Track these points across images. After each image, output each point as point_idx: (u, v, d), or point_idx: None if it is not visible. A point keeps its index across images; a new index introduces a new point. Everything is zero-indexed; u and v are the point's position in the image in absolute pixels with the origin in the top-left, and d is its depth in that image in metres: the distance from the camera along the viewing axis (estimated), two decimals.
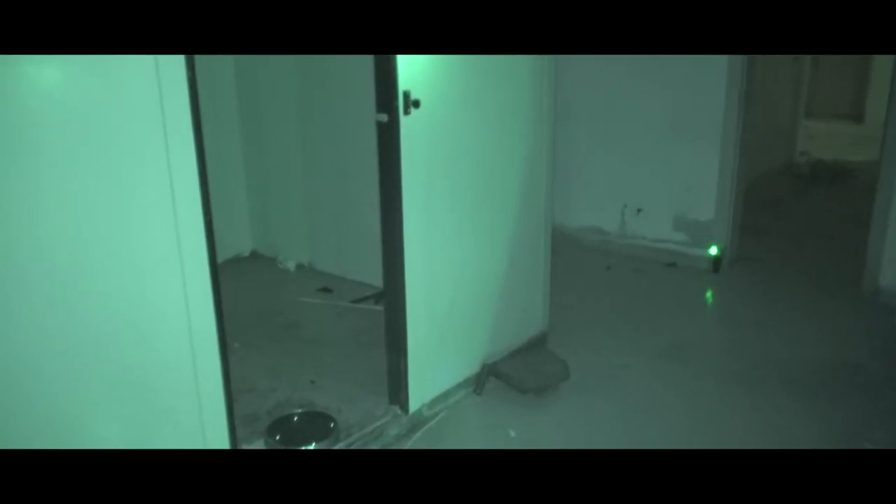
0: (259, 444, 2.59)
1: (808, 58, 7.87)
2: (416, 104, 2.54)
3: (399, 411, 2.86)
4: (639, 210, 4.94)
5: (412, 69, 2.51)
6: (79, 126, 1.72)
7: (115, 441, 1.95)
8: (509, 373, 3.14)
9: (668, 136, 4.69)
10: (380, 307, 3.56)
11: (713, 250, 4.64)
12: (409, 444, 2.76)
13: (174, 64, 1.84)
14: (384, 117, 2.54)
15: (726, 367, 3.38)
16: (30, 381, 1.76)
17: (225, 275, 2.20)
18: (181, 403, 2.07)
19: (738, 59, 4.30)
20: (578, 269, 4.73)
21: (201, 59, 1.95)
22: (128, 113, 1.80)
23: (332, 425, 2.68)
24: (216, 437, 2.17)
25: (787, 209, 6.24)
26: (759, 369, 3.34)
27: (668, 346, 3.60)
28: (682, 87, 4.56)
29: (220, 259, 2.11)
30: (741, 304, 4.28)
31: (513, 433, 2.84)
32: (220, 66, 4.45)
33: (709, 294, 4.45)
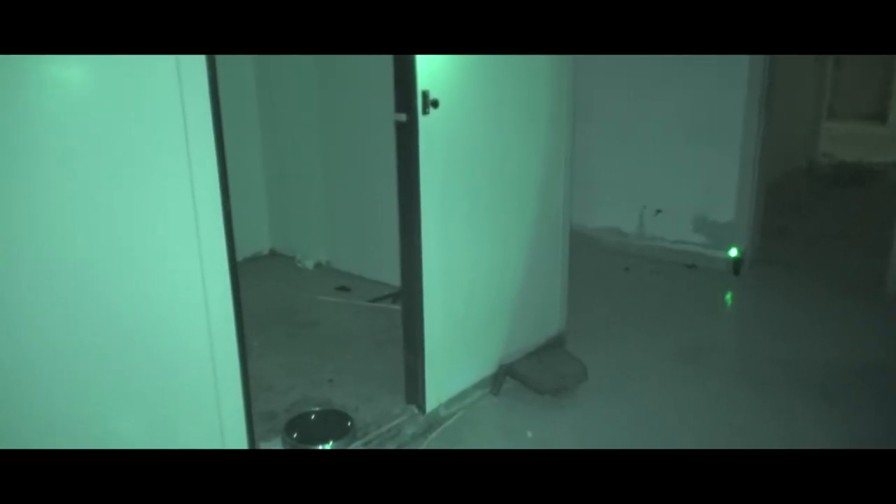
0: (276, 442, 2.60)
1: (830, 58, 7.79)
2: (435, 104, 2.54)
3: (416, 411, 2.86)
4: (658, 211, 4.91)
5: (431, 69, 2.51)
6: (100, 125, 1.74)
7: (133, 436, 1.97)
8: (526, 373, 3.13)
9: (688, 136, 4.66)
10: (397, 306, 3.57)
11: (733, 252, 4.61)
12: (425, 444, 2.76)
13: (195, 64, 1.86)
14: (403, 117, 2.54)
15: (746, 370, 3.34)
16: (53, 377, 1.78)
17: (244, 273, 2.21)
18: (200, 400, 2.09)
19: (759, 60, 4.26)
20: (597, 270, 4.71)
21: (222, 59, 1.96)
22: (149, 113, 1.82)
23: (349, 424, 2.69)
24: (234, 434, 2.18)
25: (809, 211, 6.17)
26: (780, 372, 3.31)
27: (688, 349, 3.57)
28: (702, 87, 4.53)
29: (239, 258, 2.13)
30: (761, 307, 4.24)
31: (530, 434, 2.83)
32: (240, 66, 4.48)
33: (728, 296, 4.41)
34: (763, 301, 4.31)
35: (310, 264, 4.64)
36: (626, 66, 4.75)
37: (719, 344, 3.69)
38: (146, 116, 1.82)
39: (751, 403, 3.06)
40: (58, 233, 1.72)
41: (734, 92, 4.38)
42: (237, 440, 2.19)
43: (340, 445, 2.59)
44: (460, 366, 2.99)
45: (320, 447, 2.57)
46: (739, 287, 4.50)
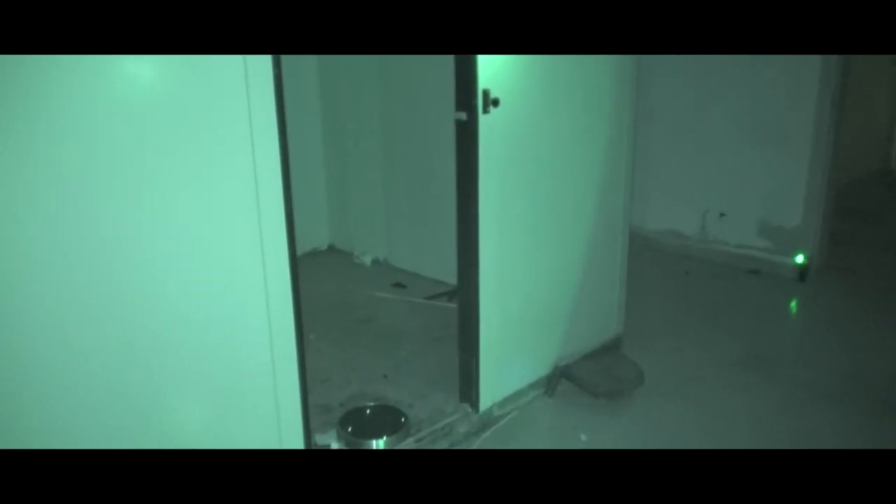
0: (331, 435, 2.64)
1: None
2: (496, 103, 2.54)
3: (469, 409, 2.86)
4: (721, 214, 4.79)
5: (492, 68, 2.51)
6: (171, 120, 1.80)
7: (193, 425, 2.03)
8: (582, 376, 3.10)
9: (754, 138, 4.53)
10: (453, 304, 3.58)
11: (799, 258, 4.46)
12: (477, 443, 2.77)
13: (261, 63, 1.90)
14: (463, 115, 2.54)
15: (809, 381, 3.24)
16: (122, 367, 1.84)
17: (303, 268, 2.25)
18: (258, 391, 2.13)
19: (832, 60, 4.11)
20: (656, 274, 4.63)
21: (287, 59, 2.00)
22: (216, 110, 1.87)
23: (402, 420, 2.71)
24: (290, 426, 2.22)
25: (881, 218, 5.94)
26: (845, 384, 3.20)
27: (749, 356, 3.48)
28: (770, 88, 4.40)
29: (298, 252, 2.16)
30: (828, 315, 4.09)
31: (584, 437, 2.81)
32: (304, 65, 4.56)
33: (793, 303, 4.28)
34: (830, 310, 4.16)
35: (367, 260, 4.69)
36: (690, 65, 4.65)
37: (782, 353, 3.58)
38: (214, 114, 1.87)
39: (813, 415, 2.96)
40: (126, 225, 1.78)
41: (804, 92, 4.24)
42: (293, 432, 2.23)
43: (394, 441, 2.61)
44: (515, 366, 2.98)
45: (374, 442, 2.60)
46: (805, 294, 4.36)
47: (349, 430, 2.65)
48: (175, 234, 1.87)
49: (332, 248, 5.01)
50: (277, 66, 1.94)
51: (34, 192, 1.62)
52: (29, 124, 1.58)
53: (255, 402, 2.14)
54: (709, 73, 4.61)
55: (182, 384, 1.98)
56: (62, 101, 1.62)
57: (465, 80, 2.51)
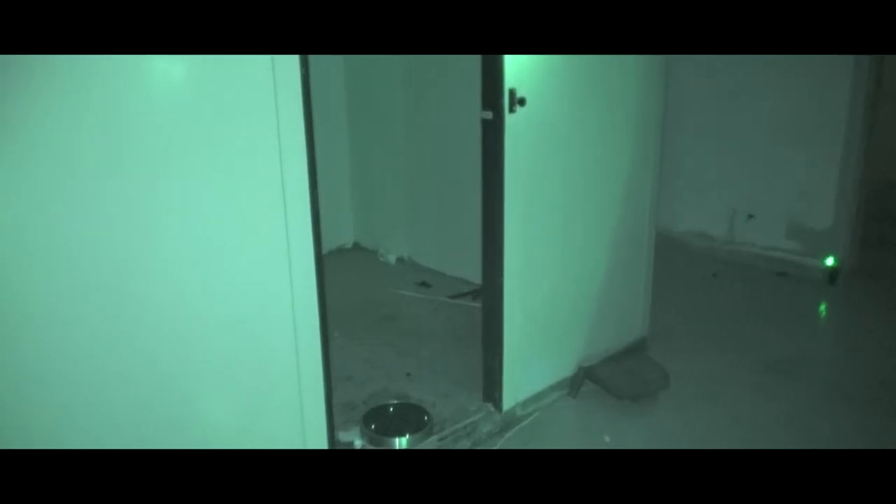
0: (354, 432, 2.65)
1: None
2: (522, 102, 2.53)
3: (492, 409, 2.86)
4: (750, 216, 4.73)
5: (518, 67, 2.50)
6: (200, 119, 1.82)
7: (219, 420, 2.05)
8: (606, 377, 3.08)
9: (784, 137, 4.47)
10: (477, 304, 3.58)
11: (830, 261, 4.39)
12: (500, 443, 2.76)
13: (289, 63, 1.91)
14: (489, 115, 2.54)
15: (839, 386, 3.19)
16: (149, 365, 1.87)
17: (327, 265, 2.26)
18: (283, 387, 2.15)
19: (865, 59, 4.04)
20: (682, 275, 4.58)
21: (314, 58, 2.01)
22: (244, 109, 1.88)
23: (425, 418, 2.72)
24: (314, 423, 2.24)
25: None
26: (875, 391, 3.14)
27: (777, 360, 3.43)
28: (801, 87, 4.34)
29: (324, 250, 2.17)
30: (859, 319, 4.02)
31: (607, 439, 2.79)
32: (330, 65, 4.58)
33: (823, 307, 4.21)
34: (860, 314, 4.09)
35: (392, 258, 4.70)
36: (720, 64, 4.60)
37: (811, 357, 3.53)
38: (242, 113, 1.88)
39: (842, 421, 2.91)
40: (153, 223, 1.80)
41: (836, 91, 4.18)
42: (317, 428, 2.25)
43: (416, 440, 2.62)
44: (539, 366, 2.97)
45: (397, 441, 2.61)
46: (835, 298, 4.29)
47: (372, 427, 2.66)
48: (202, 232, 1.89)
49: (356, 246, 5.03)
50: (305, 66, 1.95)
51: (65, 188, 1.65)
52: (66, 122, 1.61)
53: (279, 399, 2.15)
54: (739, 72, 4.55)
55: (209, 382, 2.00)
56: (96, 101, 1.64)
57: (492, 80, 2.50)
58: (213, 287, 1.94)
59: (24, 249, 1.62)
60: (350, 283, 4.26)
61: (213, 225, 1.90)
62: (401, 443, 2.61)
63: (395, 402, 2.88)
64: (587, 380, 3.12)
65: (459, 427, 2.75)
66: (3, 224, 1.58)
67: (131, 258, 1.78)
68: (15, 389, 1.67)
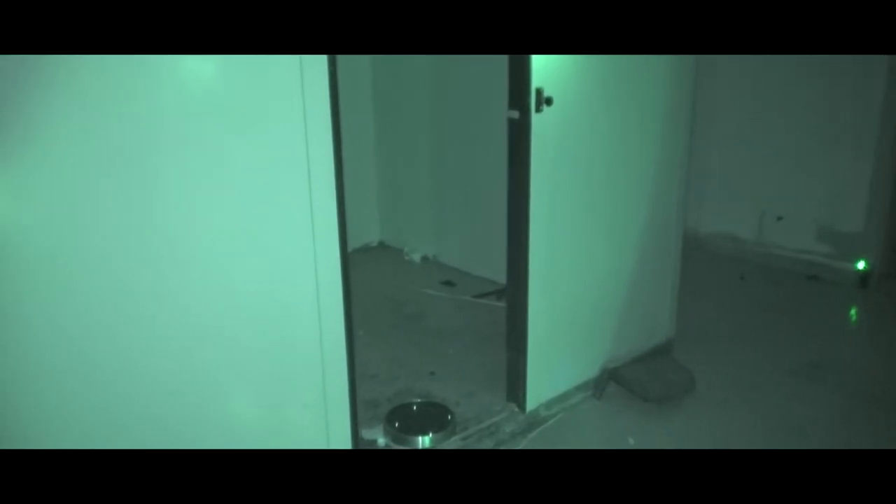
0: (378, 430, 2.67)
1: None
2: (549, 101, 2.52)
3: (516, 409, 2.86)
4: (779, 218, 4.66)
5: (545, 66, 2.49)
6: (230, 117, 1.84)
7: (245, 416, 2.07)
8: (631, 379, 3.06)
9: (814, 138, 4.39)
10: (501, 303, 3.57)
11: (861, 264, 4.32)
12: (524, 443, 2.76)
13: (317, 63, 1.93)
14: (515, 114, 2.54)
15: (869, 391, 3.13)
16: (178, 361, 1.90)
17: (353, 263, 2.27)
18: (308, 384, 2.17)
19: None
20: (710, 277, 4.53)
21: (341, 58, 2.02)
22: (273, 108, 1.91)
23: (448, 417, 2.72)
24: (338, 420, 2.25)
25: None
26: None
27: (806, 365, 3.38)
28: (834, 87, 4.26)
29: (349, 248, 2.18)
30: (890, 324, 3.95)
31: (632, 441, 2.77)
32: (358, 64, 4.60)
33: (853, 311, 4.14)
34: (892, 318, 4.01)
35: (417, 257, 4.71)
36: (749, 64, 4.54)
37: (841, 362, 3.47)
38: (270, 112, 1.90)
39: (872, 427, 2.86)
40: (185, 220, 1.83)
41: (870, 92, 4.09)
42: (341, 425, 2.26)
43: (440, 439, 2.62)
44: (563, 367, 2.96)
45: (420, 439, 2.61)
46: (866, 302, 4.21)
47: (396, 425, 2.67)
48: (230, 229, 1.91)
49: (382, 245, 5.05)
50: (332, 66, 1.96)
51: (98, 186, 1.67)
52: (105, 120, 1.64)
53: (304, 394, 2.17)
54: (769, 72, 4.49)
55: (238, 378, 2.02)
56: (133, 97, 1.68)
57: (519, 79, 2.50)
58: (241, 285, 1.96)
59: (62, 247, 1.65)
60: (375, 282, 4.28)
61: (239, 221, 1.92)
62: (424, 442, 2.61)
63: (419, 400, 2.89)
64: (612, 381, 3.10)
65: (483, 427, 2.75)
66: (39, 220, 1.62)
67: (164, 256, 1.80)
68: (56, 387, 1.71)
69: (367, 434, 2.64)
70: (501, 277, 3.17)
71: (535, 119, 2.51)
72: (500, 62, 2.56)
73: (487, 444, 2.70)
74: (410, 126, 4.61)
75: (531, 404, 2.85)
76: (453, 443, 2.65)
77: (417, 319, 3.81)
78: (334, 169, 2.04)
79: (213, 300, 1.92)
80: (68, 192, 1.63)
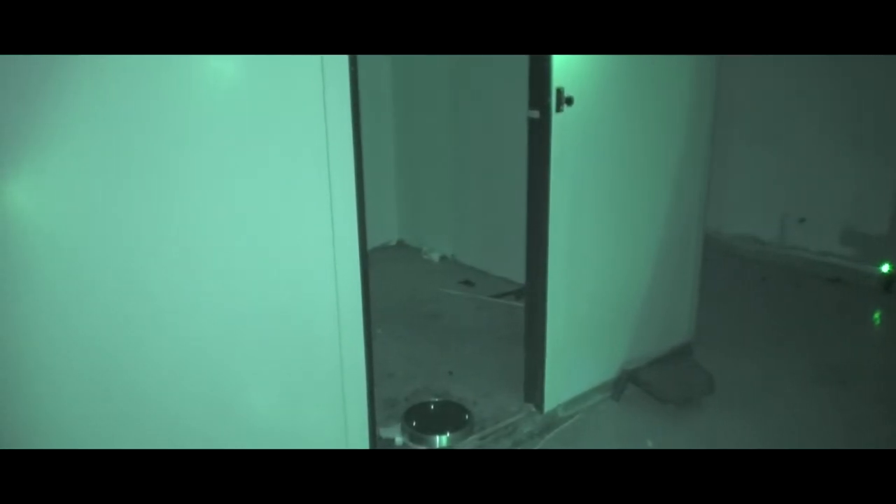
0: (396, 429, 2.67)
1: None
2: (570, 101, 2.51)
3: (534, 409, 2.85)
4: (802, 220, 4.61)
5: (566, 66, 2.48)
6: (252, 116, 1.85)
7: (265, 411, 2.09)
8: (650, 381, 3.04)
9: (838, 140, 4.34)
10: (520, 304, 3.56)
11: (885, 267, 4.26)
12: (541, 444, 2.75)
13: (338, 63, 1.94)
14: (536, 114, 2.53)
15: (891, 397, 3.09)
16: (201, 359, 1.92)
17: (372, 262, 2.28)
18: (327, 381, 2.18)
19: None
20: (731, 279, 4.49)
21: (361, 58, 2.02)
22: (294, 108, 1.92)
23: (466, 417, 2.72)
24: (356, 418, 2.26)
25: None
26: None
27: (828, 369, 3.34)
28: (857, 88, 4.21)
29: (368, 247, 2.19)
30: None
31: (650, 443, 2.76)
32: (378, 64, 4.61)
33: (877, 315, 4.09)
34: None
35: (435, 257, 4.71)
36: (769, 66, 4.49)
37: (864, 366, 3.42)
38: (291, 111, 1.91)
39: (894, 433, 2.83)
40: (207, 218, 1.84)
41: (894, 95, 4.04)
42: (359, 424, 2.27)
43: (457, 438, 2.63)
44: (581, 367, 2.95)
45: (437, 438, 2.62)
46: (890, 306, 4.15)
47: (413, 424, 2.67)
48: (250, 228, 1.92)
49: (401, 244, 5.06)
50: (353, 66, 1.97)
51: (122, 186, 1.69)
52: (128, 118, 1.66)
53: (322, 392, 2.18)
54: (793, 72, 4.44)
55: (258, 375, 2.04)
56: (161, 97, 1.70)
57: (539, 79, 2.49)
58: (261, 282, 1.97)
59: (84, 245, 1.68)
60: (394, 281, 4.29)
61: (260, 220, 1.93)
62: (441, 441, 2.62)
63: (437, 399, 2.89)
64: (631, 383, 3.08)
65: (500, 427, 2.74)
66: (71, 217, 1.64)
67: (186, 255, 1.82)
68: (75, 385, 1.73)
69: (384, 433, 2.64)
70: (520, 277, 3.16)
71: (556, 119, 2.51)
72: (521, 62, 2.56)
73: (505, 445, 2.70)
74: (430, 125, 4.61)
75: (549, 405, 2.84)
76: (470, 442, 2.65)
77: (436, 319, 3.81)
78: (354, 168, 2.05)
79: (232, 299, 1.93)
80: (90, 191, 1.65)
